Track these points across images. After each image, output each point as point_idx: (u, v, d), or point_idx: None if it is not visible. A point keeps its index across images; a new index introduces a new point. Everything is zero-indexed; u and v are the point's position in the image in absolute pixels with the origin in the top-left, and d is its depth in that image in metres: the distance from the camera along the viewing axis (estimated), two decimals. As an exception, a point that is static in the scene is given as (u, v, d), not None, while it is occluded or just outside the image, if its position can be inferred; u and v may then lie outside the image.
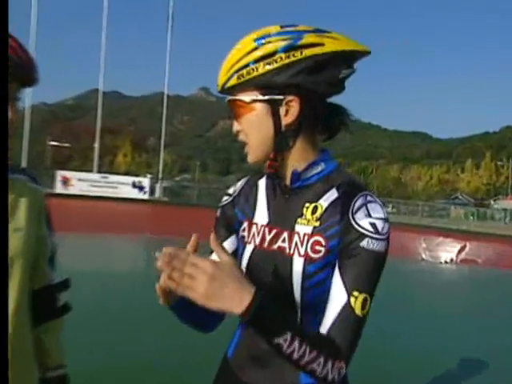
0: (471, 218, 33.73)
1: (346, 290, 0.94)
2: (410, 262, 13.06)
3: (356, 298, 0.94)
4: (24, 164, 25.75)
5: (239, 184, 1.22)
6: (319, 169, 1.06)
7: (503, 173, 75.88)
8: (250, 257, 1.09)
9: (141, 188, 26.12)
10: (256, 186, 1.17)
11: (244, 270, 1.09)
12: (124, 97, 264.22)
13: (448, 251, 13.17)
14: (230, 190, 1.22)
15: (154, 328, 4.84)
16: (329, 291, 0.99)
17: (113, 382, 3.70)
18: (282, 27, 0.99)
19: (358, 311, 0.93)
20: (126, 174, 42.85)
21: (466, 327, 6.64)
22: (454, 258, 13.00)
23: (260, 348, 1.07)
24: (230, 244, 1.17)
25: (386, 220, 0.99)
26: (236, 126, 1.05)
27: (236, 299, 0.84)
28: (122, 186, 25.78)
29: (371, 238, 0.96)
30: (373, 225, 0.97)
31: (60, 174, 25.16)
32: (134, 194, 25.45)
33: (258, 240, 1.09)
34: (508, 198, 65.50)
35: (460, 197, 73.31)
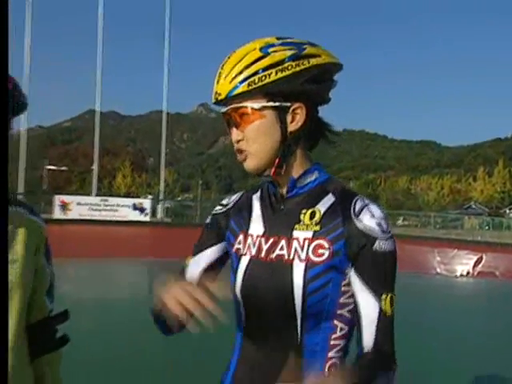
0: (486, 228, 33.24)
1: (375, 296, 0.99)
2: (425, 277, 12.89)
3: (385, 300, 0.99)
4: (21, 189, 25.90)
5: (234, 197, 1.24)
6: (313, 177, 1.10)
7: (518, 180, 76.23)
8: (246, 268, 1.09)
9: (142, 210, 26.12)
10: (250, 200, 1.19)
11: (240, 282, 1.09)
12: (122, 116, 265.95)
13: (464, 264, 13.00)
14: (224, 201, 1.25)
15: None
16: (332, 298, 1.02)
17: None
18: (278, 38, 1.06)
19: (389, 312, 0.99)
20: (127, 195, 43.03)
21: (484, 342, 6.52)
22: (471, 271, 12.82)
23: (262, 368, 1.06)
24: (215, 251, 1.19)
25: (386, 219, 1.04)
26: (237, 135, 1.07)
27: None
28: (123, 209, 25.81)
29: (381, 239, 1.01)
30: (379, 225, 1.01)
31: (58, 198, 25.20)
32: (135, 216, 25.44)
33: (254, 251, 1.09)
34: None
35: (473, 206, 72.41)
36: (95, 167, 29.99)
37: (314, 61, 1.03)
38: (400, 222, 35.33)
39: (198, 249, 1.21)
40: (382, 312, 0.98)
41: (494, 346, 6.37)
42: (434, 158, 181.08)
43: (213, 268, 1.18)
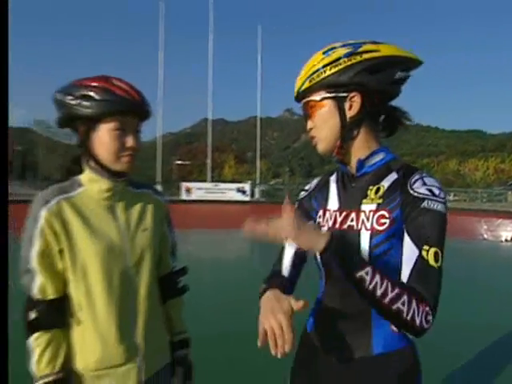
0: None
1: (417, 245, 0.87)
2: (474, 242, 12.05)
3: (427, 251, 0.86)
4: (158, 178, 27.66)
5: (314, 182, 1.21)
6: (381, 157, 1.02)
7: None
8: None
9: (243, 192, 26.70)
10: (328, 182, 1.14)
11: None
12: (227, 122, 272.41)
13: (508, 231, 11.93)
14: (306, 187, 1.21)
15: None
16: (395, 261, 0.92)
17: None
18: (343, 42, 1.00)
19: (431, 262, 0.85)
20: (232, 181, 44.12)
21: None
22: None
23: (335, 320, 1.01)
24: None
25: (440, 188, 0.92)
26: (309, 124, 1.03)
27: (317, 235, 0.84)
28: (229, 192, 26.57)
29: (429, 199, 0.90)
30: (429, 190, 0.91)
31: (184, 185, 26.60)
32: (239, 197, 26.08)
33: (330, 223, 1.05)
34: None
35: None
36: (209, 161, 31.18)
37: (366, 55, 0.95)
38: (451, 197, 32.68)
39: None
40: (421, 259, 0.86)
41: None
42: (479, 144, 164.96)
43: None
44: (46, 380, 1.06)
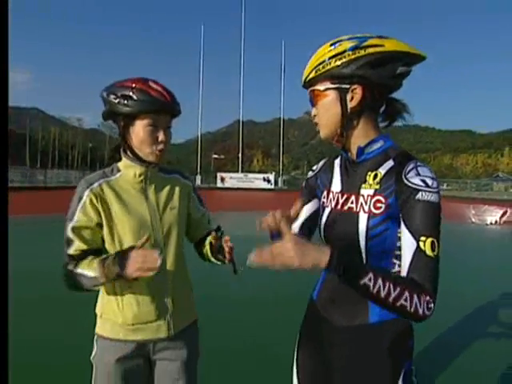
0: (510, 190, 32.58)
1: (414, 237, 0.80)
2: (463, 225, 11.89)
3: (424, 242, 0.78)
4: (198, 169, 28.09)
5: (321, 163, 1.12)
6: (379, 145, 0.93)
7: (535, 156, 70.23)
8: (328, 217, 1.00)
9: (269, 181, 26.66)
10: (332, 164, 1.06)
11: (322, 226, 0.99)
12: (255, 123, 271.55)
13: (493, 216, 11.73)
14: (314, 168, 1.13)
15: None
16: (390, 242, 0.85)
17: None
18: (351, 35, 0.90)
19: (428, 252, 0.78)
20: (259, 172, 44.19)
21: (511, 271, 5.76)
22: (498, 221, 11.52)
23: (337, 290, 0.96)
24: (310, 206, 1.09)
25: (434, 178, 0.82)
26: (313, 111, 0.96)
27: (320, 253, 0.74)
28: (257, 181, 26.60)
29: (423, 191, 0.81)
30: (423, 181, 0.82)
31: (219, 175, 26.86)
32: (265, 185, 26.08)
33: (333, 204, 0.99)
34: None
35: (500, 175, 65.05)
36: (240, 155, 31.27)
37: (370, 50, 0.85)
38: (444, 187, 32.01)
39: None
40: (419, 250, 0.78)
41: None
42: (470, 142, 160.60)
43: (310, 219, 1.09)
44: (107, 262, 1.00)
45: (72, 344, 2.67)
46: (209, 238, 1.24)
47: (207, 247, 1.23)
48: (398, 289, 0.74)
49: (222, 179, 26.13)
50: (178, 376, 1.17)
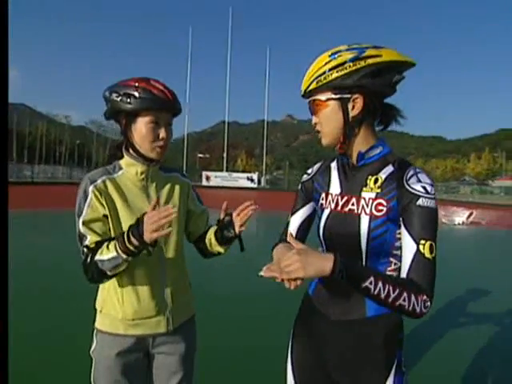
0: (476, 193, 33.67)
1: (414, 240, 0.81)
2: None
3: (423, 245, 0.81)
4: (184, 168, 27.78)
5: (316, 166, 1.11)
6: (378, 150, 0.94)
7: (498, 161, 74.74)
8: (327, 218, 0.98)
9: (252, 180, 26.70)
10: (329, 167, 1.06)
11: (322, 228, 0.98)
12: (240, 124, 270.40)
13: (460, 216, 12.20)
14: (309, 171, 1.12)
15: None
16: (389, 242, 0.87)
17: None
18: (348, 46, 0.90)
19: (427, 255, 0.80)
20: (243, 171, 44.06)
21: (475, 265, 6.12)
22: (465, 221, 11.99)
23: (334, 286, 0.97)
24: (306, 210, 1.09)
25: (432, 185, 0.86)
26: (314, 120, 0.95)
27: (323, 262, 0.76)
28: (241, 180, 26.58)
29: (424, 197, 0.83)
30: (423, 187, 0.84)
31: (205, 173, 26.62)
32: (248, 184, 26.09)
33: (333, 205, 0.98)
34: (502, 179, 63.11)
35: (467, 179, 68.79)
36: (225, 155, 31.11)
37: (370, 60, 0.86)
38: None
39: (295, 209, 1.10)
40: (419, 253, 0.80)
41: (481, 267, 5.95)
42: (440, 148, 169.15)
43: (306, 222, 1.09)
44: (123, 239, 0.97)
45: (67, 339, 2.59)
46: (212, 229, 1.22)
47: (211, 235, 1.21)
48: (397, 290, 0.77)
49: (207, 178, 25.93)
50: (175, 369, 1.16)
